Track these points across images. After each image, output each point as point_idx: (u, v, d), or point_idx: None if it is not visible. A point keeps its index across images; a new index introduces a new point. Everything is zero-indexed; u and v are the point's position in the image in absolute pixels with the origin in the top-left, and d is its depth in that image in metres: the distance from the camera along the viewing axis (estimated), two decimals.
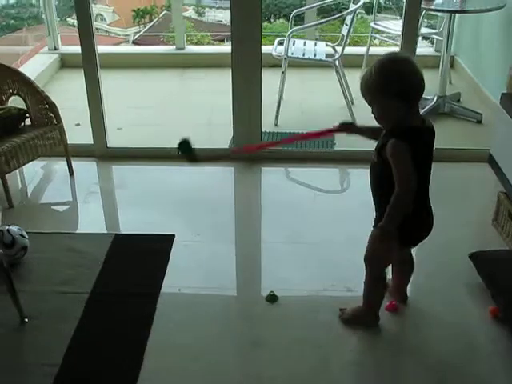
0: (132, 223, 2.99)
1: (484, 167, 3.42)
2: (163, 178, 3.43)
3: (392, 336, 2.32)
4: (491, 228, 2.94)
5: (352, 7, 4.07)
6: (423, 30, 4.61)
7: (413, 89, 1.94)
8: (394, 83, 1.92)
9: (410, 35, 3.25)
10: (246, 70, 3.33)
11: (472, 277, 2.53)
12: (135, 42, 8.34)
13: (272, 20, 8.12)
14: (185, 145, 2.27)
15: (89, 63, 3.35)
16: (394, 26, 4.74)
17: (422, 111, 3.97)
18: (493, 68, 4.32)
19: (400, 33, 4.57)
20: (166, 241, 2.81)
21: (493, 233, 2.91)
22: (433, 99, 4.30)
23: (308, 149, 3.73)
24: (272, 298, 2.44)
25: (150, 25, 9.03)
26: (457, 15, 4.31)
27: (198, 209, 3.12)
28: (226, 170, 3.53)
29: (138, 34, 8.63)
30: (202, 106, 4.51)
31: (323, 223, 3.00)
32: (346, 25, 4.14)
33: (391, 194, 2.00)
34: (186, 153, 2.27)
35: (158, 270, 2.63)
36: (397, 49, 4.97)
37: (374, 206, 2.18)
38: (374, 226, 2.16)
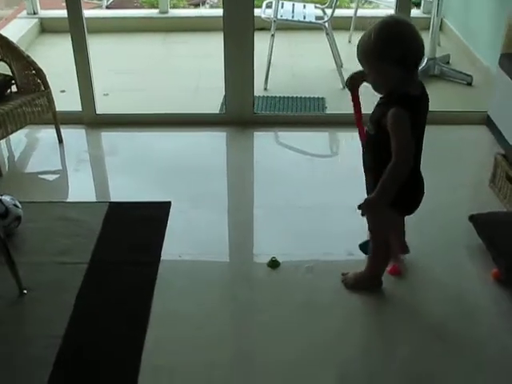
0: (124, 191, 2.94)
1: (479, 129, 3.43)
2: (154, 144, 3.36)
3: (395, 299, 2.31)
4: (488, 189, 2.94)
5: None
6: None
7: (412, 54, 1.87)
8: (392, 48, 1.84)
9: None
10: (238, 33, 3.25)
11: (472, 238, 2.53)
12: (108, 7, 8.08)
13: None
14: None
15: (76, 28, 3.24)
16: None
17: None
18: (484, 30, 4.28)
19: None
20: (163, 208, 2.76)
21: (490, 194, 2.91)
22: (423, 61, 4.25)
23: (300, 112, 3.69)
24: (274, 264, 2.42)
25: None
26: None
27: (190, 175, 3.06)
28: (218, 135, 3.49)
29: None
30: (188, 70, 4.43)
31: (317, 188, 2.98)
32: None
33: (383, 167, 1.95)
34: None
35: (156, 237, 2.58)
36: (388, 11, 5.00)
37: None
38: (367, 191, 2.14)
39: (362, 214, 2.02)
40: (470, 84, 4.16)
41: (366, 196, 2.06)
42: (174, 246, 2.55)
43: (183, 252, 2.52)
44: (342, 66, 4.20)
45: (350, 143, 3.37)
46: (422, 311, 2.27)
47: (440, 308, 2.27)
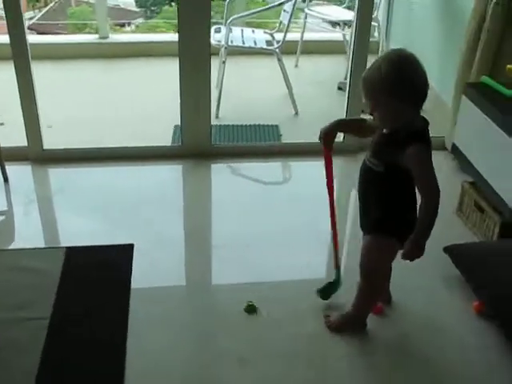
0: (78, 233, 2.72)
1: (439, 155, 3.43)
2: (106, 180, 3.18)
3: (380, 339, 2.23)
4: (455, 218, 2.92)
5: None
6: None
7: (421, 89, 1.84)
8: (404, 84, 1.81)
9: (364, 21, 3.14)
10: (194, 58, 3.11)
11: (449, 270, 2.49)
12: (30, 28, 7.74)
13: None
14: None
15: (19, 55, 3.01)
16: (327, 11, 4.67)
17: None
18: (430, 56, 4.32)
19: (334, 18, 4.59)
20: (125, 251, 2.59)
21: (458, 223, 2.89)
22: None
23: (257, 142, 3.59)
24: (250, 309, 2.28)
25: (45, 9, 8.48)
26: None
27: (149, 213, 2.89)
28: (174, 169, 3.34)
29: (32, 21, 7.98)
30: (134, 99, 4.27)
31: (278, 219, 2.88)
32: (285, 11, 4.00)
33: (392, 201, 1.96)
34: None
35: (121, 284, 2.41)
36: (335, 35, 5.02)
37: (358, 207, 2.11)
38: (364, 233, 2.08)
39: (412, 259, 1.94)
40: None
41: (333, 224, 2.17)
42: (142, 292, 2.38)
43: (152, 299, 2.35)
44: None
45: (307, 172, 3.32)
46: (408, 350, 2.20)
47: (427, 346, 2.20)
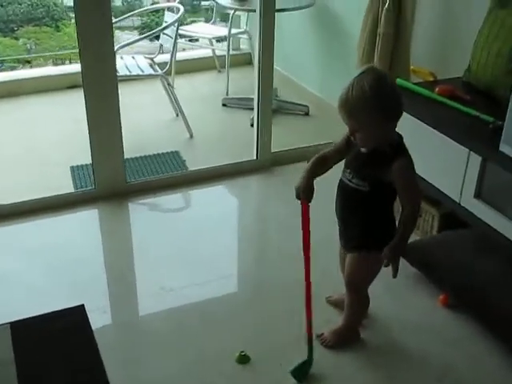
0: (12, 303, 2.44)
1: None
2: (19, 239, 2.87)
3: (366, 346, 2.25)
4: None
5: (172, 17, 3.83)
6: (233, 31, 4.55)
7: (401, 104, 1.89)
8: (390, 101, 1.85)
9: (267, 37, 3.14)
10: (102, 90, 2.90)
11: (406, 269, 2.55)
12: None
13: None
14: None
15: None
16: (201, 29, 4.63)
17: (254, 112, 4.04)
18: (305, 61, 4.45)
19: (209, 36, 4.55)
20: (77, 314, 2.35)
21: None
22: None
23: (168, 174, 3.42)
24: (243, 359, 2.16)
25: None
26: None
27: (77, 268, 2.66)
28: (89, 216, 3.09)
29: None
30: (18, 142, 3.89)
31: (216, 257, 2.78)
32: (165, 34, 3.89)
33: (380, 217, 2.00)
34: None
35: (88, 350, 2.18)
36: (202, 51, 4.98)
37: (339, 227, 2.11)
38: (350, 251, 2.09)
39: (394, 263, 1.96)
40: (307, 114, 4.29)
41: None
42: (115, 355, 2.18)
43: (129, 358, 2.17)
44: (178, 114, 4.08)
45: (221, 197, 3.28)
46: (396, 352, 2.24)
47: (406, 345, 2.27)
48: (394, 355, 2.22)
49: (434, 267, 2.47)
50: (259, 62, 3.18)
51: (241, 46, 5.24)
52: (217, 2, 4.32)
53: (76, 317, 2.31)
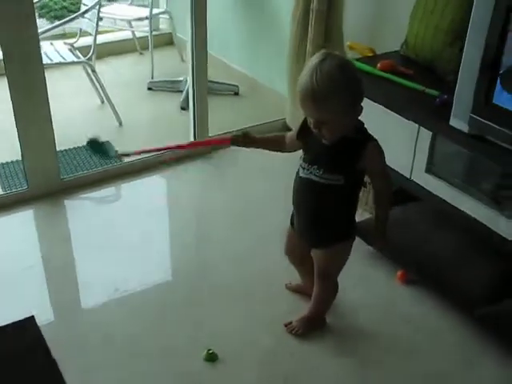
0: None
1: None
2: None
3: (334, 329, 2.24)
4: None
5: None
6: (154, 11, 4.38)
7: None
8: (360, 91, 1.80)
9: (200, 16, 3.02)
10: (27, 78, 2.69)
11: (364, 249, 2.56)
12: None
13: None
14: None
15: None
16: (120, 10, 4.43)
17: (182, 95, 3.93)
18: (232, 40, 4.35)
19: (129, 17, 4.36)
20: (28, 326, 2.22)
21: None
22: (186, 80, 4.16)
23: (103, 168, 3.24)
24: (211, 357, 2.08)
25: None
26: None
27: (11, 277, 2.48)
28: (23, 219, 2.89)
29: None
30: None
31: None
32: (85, 18, 3.68)
33: (352, 207, 2.00)
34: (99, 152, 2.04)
35: (49, 362, 2.07)
36: (122, 33, 4.77)
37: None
38: (323, 246, 2.05)
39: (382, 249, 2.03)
40: (237, 94, 4.21)
41: None
42: (72, 363, 2.06)
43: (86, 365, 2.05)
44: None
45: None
46: (364, 333, 2.24)
47: (377, 324, 2.28)
48: (361, 337, 2.21)
49: (390, 244, 2.46)
50: (192, 43, 3.07)
51: (160, 27, 5.06)
52: None
53: (28, 331, 2.19)
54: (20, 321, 2.23)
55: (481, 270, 2.27)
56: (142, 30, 4.75)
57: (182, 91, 4.13)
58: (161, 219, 2.90)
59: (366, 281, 2.47)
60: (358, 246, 2.51)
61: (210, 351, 2.08)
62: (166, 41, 5.00)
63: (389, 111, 2.46)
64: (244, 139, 2.01)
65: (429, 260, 2.37)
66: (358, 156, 1.84)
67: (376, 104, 2.51)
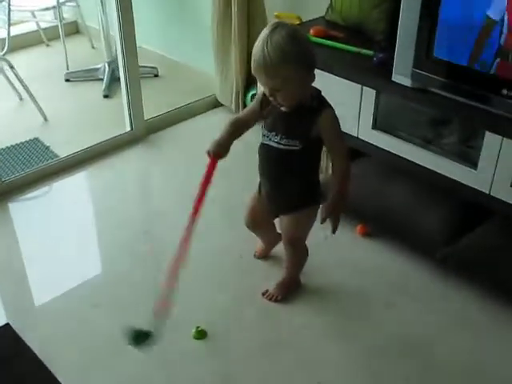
0: None
1: (220, 112, 3.59)
2: None
3: (306, 293, 2.33)
4: None
5: None
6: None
7: None
8: (313, 57, 1.84)
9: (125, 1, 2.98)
10: None
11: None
12: None
13: None
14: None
15: None
16: (24, 1, 4.26)
17: (104, 82, 3.86)
18: (144, 22, 4.27)
19: (35, 7, 4.19)
20: (7, 333, 2.16)
21: None
22: (105, 67, 4.09)
23: (37, 167, 3.11)
24: (200, 334, 2.11)
25: None
26: None
27: None
28: None
29: None
30: None
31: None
32: None
33: (314, 172, 2.03)
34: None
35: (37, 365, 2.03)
36: (27, 25, 4.57)
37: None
38: (288, 212, 2.11)
39: (335, 220, 1.97)
40: (156, 75, 4.18)
41: None
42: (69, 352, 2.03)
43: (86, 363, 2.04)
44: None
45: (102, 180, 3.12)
46: (333, 293, 2.33)
47: (337, 284, 2.37)
48: (337, 294, 2.31)
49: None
50: (120, 29, 3.02)
51: (64, 15, 4.88)
52: None
53: (7, 338, 2.15)
54: None
55: (436, 214, 2.41)
56: (47, 20, 4.59)
57: (101, 79, 4.05)
58: (107, 209, 2.84)
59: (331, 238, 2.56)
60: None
61: (199, 328, 2.11)
62: (71, 30, 4.85)
63: (330, 75, 2.55)
64: (221, 148, 1.94)
65: (386, 211, 2.49)
66: (312, 123, 1.88)
67: (316, 69, 2.60)
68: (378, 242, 2.55)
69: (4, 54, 3.48)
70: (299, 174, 2.03)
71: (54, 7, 4.18)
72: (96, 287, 2.37)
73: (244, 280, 2.38)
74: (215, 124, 3.46)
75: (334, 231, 1.99)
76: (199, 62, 3.88)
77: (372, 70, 2.48)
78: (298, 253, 2.23)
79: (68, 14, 4.89)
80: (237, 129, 2.01)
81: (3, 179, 2.88)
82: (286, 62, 1.77)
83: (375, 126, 2.51)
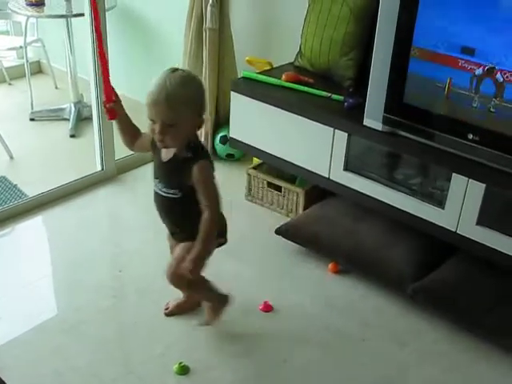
0: None
1: None
2: None
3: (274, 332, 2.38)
4: (248, 203, 3.16)
5: None
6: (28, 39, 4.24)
7: None
8: (204, 101, 1.93)
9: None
10: None
11: (287, 248, 2.76)
12: None
13: None
14: None
15: None
16: None
17: (70, 122, 3.88)
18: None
19: (2, 47, 4.21)
20: None
21: (254, 206, 3.14)
22: (71, 108, 4.12)
23: (6, 206, 3.09)
24: (183, 370, 2.13)
25: None
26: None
27: None
28: None
29: None
30: None
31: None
32: None
33: (195, 216, 1.97)
34: None
35: None
36: None
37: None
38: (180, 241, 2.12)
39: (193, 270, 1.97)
40: None
41: None
42: None
43: None
44: None
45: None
46: (308, 334, 2.37)
47: (320, 320, 2.42)
48: (311, 335, 2.36)
49: (320, 240, 2.67)
50: (95, 69, 3.07)
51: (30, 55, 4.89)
52: (10, 9, 4.00)
53: None
54: None
55: (406, 251, 2.53)
56: (10, 59, 4.59)
57: (67, 119, 4.07)
58: (77, 248, 2.82)
59: (301, 277, 2.64)
60: (286, 245, 2.73)
61: (182, 364, 2.14)
62: (35, 69, 4.86)
63: (303, 118, 2.67)
64: (118, 103, 2.08)
65: (357, 249, 2.59)
66: (186, 173, 1.92)
67: (289, 113, 2.72)
68: (347, 278, 2.63)
69: None
70: (188, 219, 2.03)
71: (20, 47, 4.17)
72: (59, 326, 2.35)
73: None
74: None
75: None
76: None
77: (343, 114, 2.61)
78: (201, 288, 2.19)
79: (31, 53, 4.89)
80: (133, 127, 2.12)
81: None
82: (186, 96, 1.86)
83: (346, 168, 2.62)
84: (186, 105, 1.86)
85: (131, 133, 2.13)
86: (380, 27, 2.30)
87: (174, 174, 1.97)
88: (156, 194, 2.06)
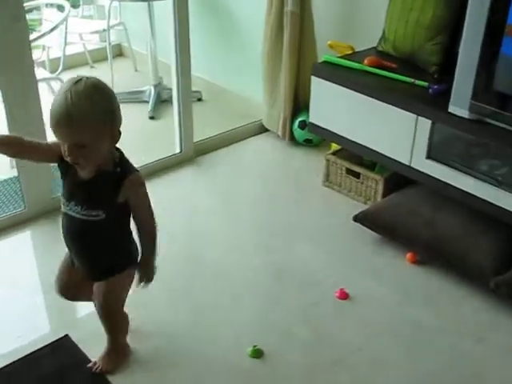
0: None
1: (266, 137, 3.64)
2: None
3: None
4: (325, 189, 3.13)
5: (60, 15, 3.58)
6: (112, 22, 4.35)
7: None
8: (119, 112, 1.71)
9: (183, 27, 3.06)
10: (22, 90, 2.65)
11: (365, 237, 2.71)
12: None
13: None
14: None
15: None
16: (77, 25, 4.39)
17: (149, 105, 3.95)
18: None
19: (87, 30, 4.31)
20: (66, 345, 2.21)
21: (331, 192, 3.11)
22: (151, 90, 4.19)
23: None
24: (257, 353, 2.14)
25: None
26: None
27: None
28: (22, 240, 2.81)
29: None
30: None
31: None
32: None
33: (123, 238, 1.90)
34: None
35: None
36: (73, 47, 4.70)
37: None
38: (100, 280, 1.92)
39: (149, 281, 1.93)
40: (200, 99, 4.25)
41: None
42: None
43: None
44: None
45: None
46: (371, 314, 2.35)
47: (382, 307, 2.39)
48: (387, 325, 2.33)
49: (399, 229, 2.61)
50: (176, 53, 3.11)
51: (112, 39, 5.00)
52: None
53: (67, 349, 2.19)
54: (56, 341, 2.22)
55: (488, 243, 2.44)
56: (93, 42, 4.71)
57: (146, 101, 4.14)
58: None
59: (379, 266, 2.60)
60: (367, 234, 2.68)
61: (256, 347, 2.15)
62: (116, 52, 4.97)
63: (384, 104, 2.61)
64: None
65: (435, 238, 2.52)
66: (118, 189, 1.74)
67: (371, 99, 2.66)
68: (426, 269, 2.57)
69: (58, 74, 3.57)
70: (107, 243, 1.86)
71: (104, 30, 4.27)
72: None
73: (297, 297, 2.40)
74: (261, 148, 3.55)
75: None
76: (243, 88, 3.96)
77: (427, 101, 2.53)
78: (118, 322, 2.05)
79: (113, 37, 5.00)
80: (10, 144, 1.79)
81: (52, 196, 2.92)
82: (93, 111, 1.62)
83: (429, 156, 2.55)
84: (94, 121, 1.62)
85: (23, 152, 1.84)
86: (472, 4, 2.21)
87: (98, 192, 1.76)
88: (70, 218, 1.80)
